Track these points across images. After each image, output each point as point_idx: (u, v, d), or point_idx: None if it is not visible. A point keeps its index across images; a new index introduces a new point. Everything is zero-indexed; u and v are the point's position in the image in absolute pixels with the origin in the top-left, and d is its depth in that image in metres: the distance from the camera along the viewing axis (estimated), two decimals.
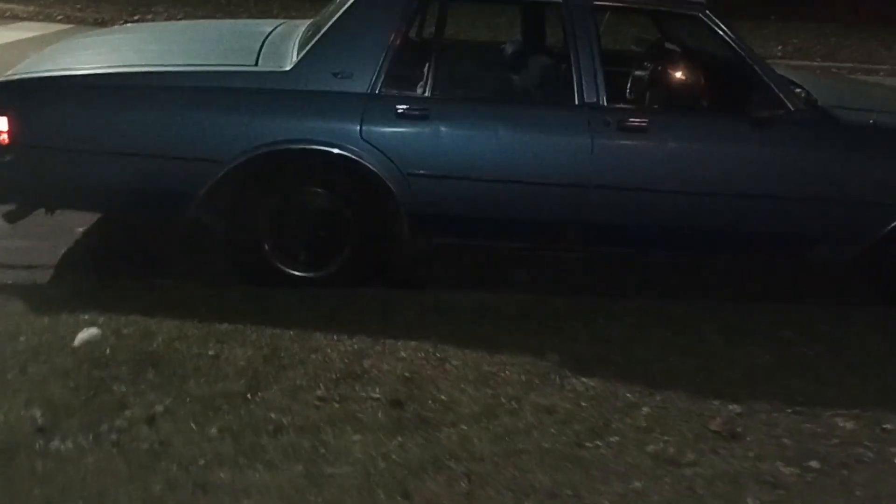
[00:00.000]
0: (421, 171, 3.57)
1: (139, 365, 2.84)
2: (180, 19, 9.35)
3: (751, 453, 2.64)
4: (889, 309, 3.74)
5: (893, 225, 3.70)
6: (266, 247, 3.60)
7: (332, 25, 3.59)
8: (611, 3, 3.85)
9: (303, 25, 4.10)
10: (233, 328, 3.13)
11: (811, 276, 4.18)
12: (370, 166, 3.51)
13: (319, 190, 3.62)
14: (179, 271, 3.70)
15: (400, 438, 2.56)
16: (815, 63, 9.78)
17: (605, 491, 2.42)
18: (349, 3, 3.62)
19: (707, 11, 3.69)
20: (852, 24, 11.49)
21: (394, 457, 2.48)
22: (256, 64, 3.67)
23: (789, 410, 2.89)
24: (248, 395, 2.73)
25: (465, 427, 2.64)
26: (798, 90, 3.90)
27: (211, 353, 2.97)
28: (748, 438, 2.72)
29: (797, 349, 3.32)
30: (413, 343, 3.11)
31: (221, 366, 2.90)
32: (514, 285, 3.89)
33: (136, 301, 3.27)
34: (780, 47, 10.12)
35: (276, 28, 4.19)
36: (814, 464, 2.61)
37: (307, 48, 3.57)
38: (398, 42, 3.56)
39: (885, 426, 2.84)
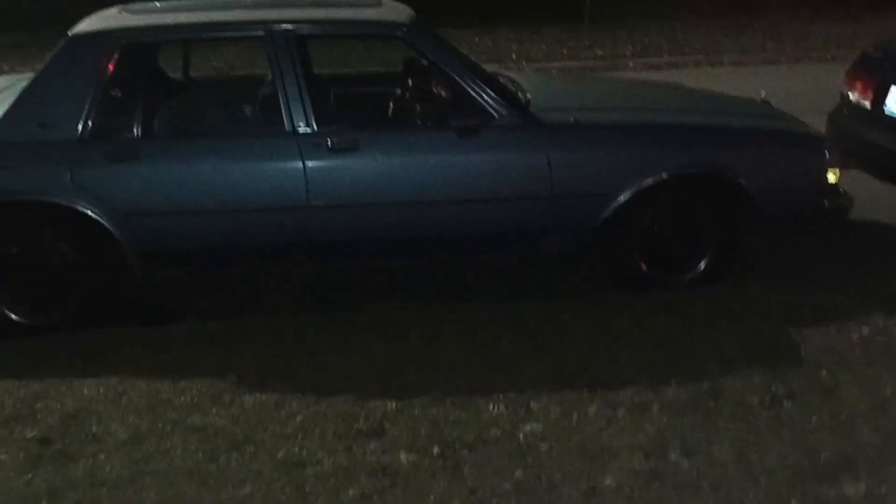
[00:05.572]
0: (140, 211, 3.71)
1: None
2: None
3: (384, 446, 2.78)
4: (595, 294, 3.90)
5: (609, 213, 3.90)
6: None
7: (36, 77, 3.75)
8: (311, 33, 4.05)
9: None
10: None
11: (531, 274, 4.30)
12: (86, 211, 3.65)
13: (40, 238, 3.74)
14: None
15: (30, 475, 2.66)
16: (663, 59, 10.08)
17: (210, 499, 2.54)
18: (53, 53, 3.77)
19: (404, 31, 3.88)
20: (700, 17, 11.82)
21: (15, 492, 2.58)
22: None
23: (449, 401, 3.03)
24: None
25: (102, 456, 2.75)
26: (521, 95, 4.10)
27: None
28: (390, 433, 2.86)
29: (499, 344, 3.46)
30: (101, 379, 3.21)
31: None
32: (264, 304, 4.00)
33: None
34: (629, 47, 10.43)
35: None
36: (435, 450, 2.75)
37: (13, 100, 3.71)
38: (103, 87, 3.70)
39: (532, 405, 3.00)
